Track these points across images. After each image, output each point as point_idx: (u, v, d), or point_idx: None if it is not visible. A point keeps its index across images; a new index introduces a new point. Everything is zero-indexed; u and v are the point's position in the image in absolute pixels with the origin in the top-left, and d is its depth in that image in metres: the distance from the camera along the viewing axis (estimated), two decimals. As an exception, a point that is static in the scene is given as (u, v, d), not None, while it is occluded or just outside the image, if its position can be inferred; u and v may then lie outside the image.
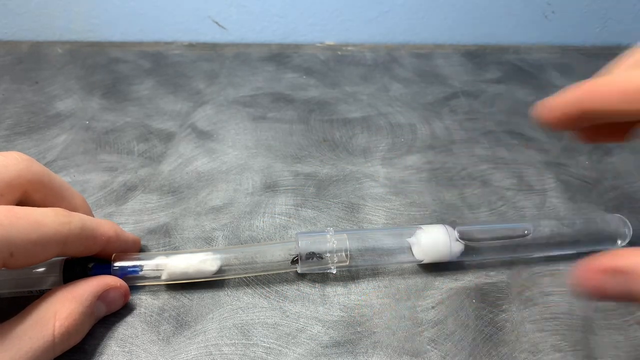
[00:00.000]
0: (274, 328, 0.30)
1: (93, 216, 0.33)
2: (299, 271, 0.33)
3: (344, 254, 0.32)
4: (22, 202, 0.27)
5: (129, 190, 0.41)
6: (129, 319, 0.31)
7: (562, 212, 0.40)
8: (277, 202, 0.40)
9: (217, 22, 0.69)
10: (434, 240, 0.33)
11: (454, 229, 0.34)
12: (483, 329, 0.31)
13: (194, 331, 0.30)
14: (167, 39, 0.70)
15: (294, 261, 0.32)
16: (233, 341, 0.29)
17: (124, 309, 0.31)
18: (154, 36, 0.70)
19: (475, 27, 0.72)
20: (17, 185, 0.27)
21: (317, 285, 0.33)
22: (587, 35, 0.73)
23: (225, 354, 0.29)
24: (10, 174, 0.27)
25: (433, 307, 0.32)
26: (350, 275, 0.34)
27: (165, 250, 0.36)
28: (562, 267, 0.35)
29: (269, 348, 0.29)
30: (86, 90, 0.56)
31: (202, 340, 0.29)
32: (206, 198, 0.41)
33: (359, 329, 0.31)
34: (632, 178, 0.45)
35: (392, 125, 0.52)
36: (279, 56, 0.66)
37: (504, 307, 0.32)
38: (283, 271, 0.33)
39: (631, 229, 0.36)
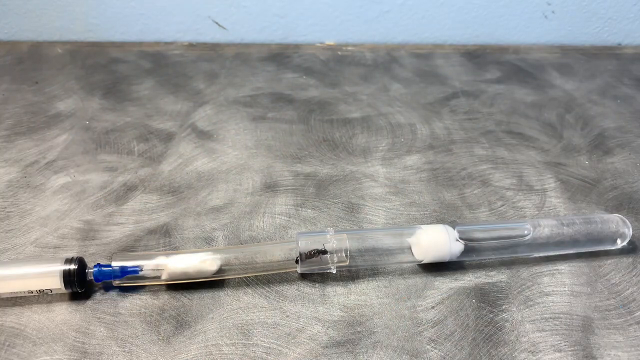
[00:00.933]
0: (274, 328, 0.30)
1: None
2: (299, 271, 0.33)
3: (344, 254, 0.32)
4: None
5: (129, 190, 0.41)
6: (129, 319, 0.31)
7: (562, 212, 0.40)
8: (277, 202, 0.40)
9: (217, 22, 0.69)
10: (434, 240, 0.33)
11: (454, 229, 0.34)
12: (483, 328, 0.31)
13: (194, 331, 0.30)
14: (167, 39, 0.70)
15: (302, 259, 0.32)
16: (233, 341, 0.29)
17: (124, 309, 0.31)
18: (154, 36, 0.70)
19: (475, 27, 0.72)
20: None
21: (317, 285, 0.33)
22: (587, 35, 0.73)
23: (225, 354, 0.29)
24: None
25: (433, 307, 0.32)
26: (350, 275, 0.34)
27: (165, 250, 0.36)
28: (562, 267, 0.35)
29: (269, 348, 0.29)
30: (86, 90, 0.56)
31: (202, 340, 0.29)
32: (206, 198, 0.41)
33: (359, 329, 0.31)
34: (632, 178, 0.45)
35: (392, 125, 0.52)
36: (279, 56, 0.66)
37: (503, 307, 0.32)
38: (283, 271, 0.33)
39: (631, 229, 0.36)
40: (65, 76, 0.59)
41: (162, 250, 0.36)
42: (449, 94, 0.58)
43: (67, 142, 0.47)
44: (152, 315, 0.31)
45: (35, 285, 0.30)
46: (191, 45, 0.69)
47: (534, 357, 0.29)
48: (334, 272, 0.33)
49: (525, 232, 0.35)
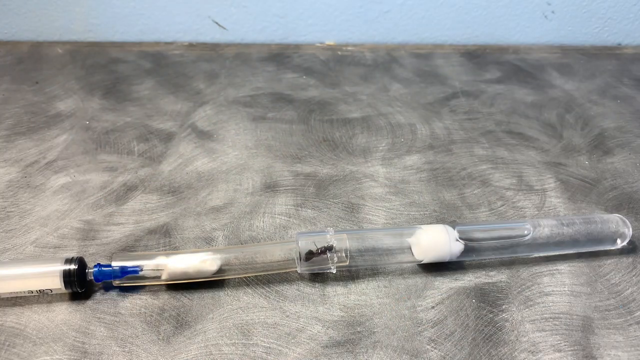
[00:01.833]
0: (274, 328, 0.30)
1: None
2: (299, 271, 0.33)
3: (344, 254, 0.32)
4: None
5: (129, 190, 0.41)
6: (129, 319, 0.31)
7: (562, 212, 0.40)
8: (277, 202, 0.40)
9: (217, 22, 0.69)
10: (434, 240, 0.33)
11: (454, 229, 0.34)
12: (483, 328, 0.31)
13: (194, 331, 0.30)
14: (167, 39, 0.70)
15: (309, 257, 0.32)
16: (233, 341, 0.29)
17: (124, 309, 0.31)
18: (154, 36, 0.70)
19: (475, 27, 0.72)
20: None
21: (317, 285, 0.33)
22: (587, 35, 0.73)
23: (225, 354, 0.29)
24: None
25: (433, 307, 0.32)
26: (350, 275, 0.34)
27: (165, 250, 0.36)
28: (562, 267, 0.35)
29: (269, 348, 0.29)
30: (86, 91, 0.56)
31: (202, 340, 0.29)
32: (206, 198, 0.41)
33: (359, 329, 0.31)
34: (632, 178, 0.45)
35: (392, 125, 0.52)
36: (279, 56, 0.66)
37: (503, 307, 0.32)
38: (283, 271, 0.33)
39: (631, 229, 0.36)
40: (65, 76, 0.59)
41: (162, 250, 0.36)
42: (449, 94, 0.58)
43: (67, 142, 0.47)
44: (152, 315, 0.31)
45: (35, 285, 0.30)
46: (191, 45, 0.69)
47: (534, 357, 0.29)
48: (334, 272, 0.33)
49: (525, 232, 0.35)
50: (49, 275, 0.30)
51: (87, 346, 0.29)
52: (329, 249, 0.32)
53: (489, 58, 0.68)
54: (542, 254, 0.36)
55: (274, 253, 0.32)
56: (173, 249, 0.36)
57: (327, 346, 0.29)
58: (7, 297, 0.31)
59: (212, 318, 0.31)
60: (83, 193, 0.40)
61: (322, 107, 0.54)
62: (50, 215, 0.38)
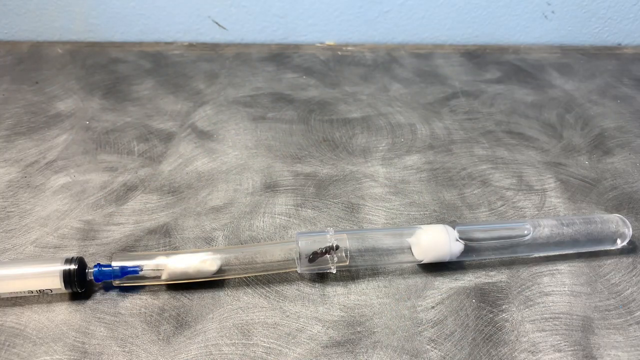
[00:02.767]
0: (274, 328, 0.30)
1: None
2: (299, 271, 0.33)
3: (344, 254, 0.32)
4: None
5: (129, 190, 0.41)
6: (129, 319, 0.31)
7: (562, 212, 0.40)
8: (277, 202, 0.40)
9: (217, 22, 0.69)
10: (434, 240, 0.33)
11: (454, 229, 0.34)
12: (483, 329, 0.31)
13: (194, 331, 0.30)
14: (167, 39, 0.70)
15: (312, 258, 0.32)
16: (233, 341, 0.29)
17: (124, 309, 0.31)
18: (154, 36, 0.70)
19: (475, 27, 0.72)
20: None
21: (317, 285, 0.33)
22: (587, 35, 0.73)
23: (225, 354, 0.29)
24: None
25: (433, 307, 0.32)
26: (350, 275, 0.34)
27: (165, 250, 0.36)
28: (562, 267, 0.35)
29: (269, 348, 0.29)
30: (86, 91, 0.56)
31: (202, 340, 0.29)
32: (206, 198, 0.41)
33: (359, 329, 0.31)
34: (632, 178, 0.45)
35: (392, 125, 0.52)
36: (279, 56, 0.66)
37: (503, 307, 0.32)
38: (283, 271, 0.33)
39: (631, 229, 0.36)
40: (65, 76, 0.59)
41: (162, 250, 0.36)
42: (449, 94, 0.58)
43: (67, 142, 0.47)
44: (152, 315, 0.31)
45: (35, 285, 0.30)
46: (191, 45, 0.69)
47: (534, 357, 0.29)
48: (334, 272, 0.33)
49: (525, 232, 0.35)
50: (49, 275, 0.30)
51: (87, 346, 0.29)
52: (334, 248, 0.32)
53: (489, 58, 0.68)
54: (542, 254, 0.36)
55: (274, 253, 0.32)
56: (173, 249, 0.36)
57: (327, 346, 0.29)
58: (7, 297, 0.31)
59: (212, 318, 0.31)
60: (83, 193, 0.40)
61: (322, 107, 0.54)
62: (50, 215, 0.38)
